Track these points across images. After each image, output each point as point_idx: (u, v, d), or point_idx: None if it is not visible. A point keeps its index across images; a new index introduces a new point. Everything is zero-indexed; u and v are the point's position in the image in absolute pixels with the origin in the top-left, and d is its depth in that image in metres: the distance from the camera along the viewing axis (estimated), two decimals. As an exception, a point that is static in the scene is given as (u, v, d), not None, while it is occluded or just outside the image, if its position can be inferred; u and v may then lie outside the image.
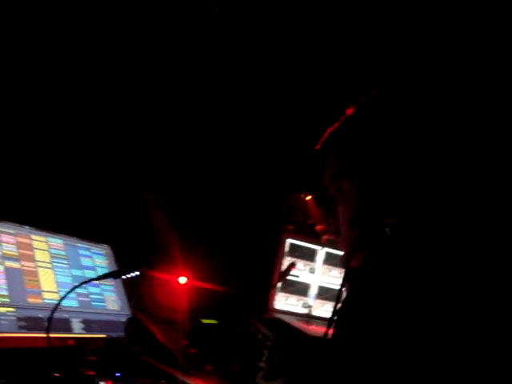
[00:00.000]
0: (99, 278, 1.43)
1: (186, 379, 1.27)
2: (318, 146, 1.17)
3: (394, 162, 1.05)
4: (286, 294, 2.29)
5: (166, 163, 2.37)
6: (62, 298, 1.35)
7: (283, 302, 2.27)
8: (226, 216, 2.42)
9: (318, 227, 2.50)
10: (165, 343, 1.38)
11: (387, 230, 1.00)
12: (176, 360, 1.34)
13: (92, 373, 1.18)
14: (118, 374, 1.29)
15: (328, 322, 1.03)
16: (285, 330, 1.95)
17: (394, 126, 1.08)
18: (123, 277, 1.42)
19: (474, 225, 1.02)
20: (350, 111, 1.14)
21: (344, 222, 1.12)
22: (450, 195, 1.09)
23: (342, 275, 1.17)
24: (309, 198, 2.79)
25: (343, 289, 1.10)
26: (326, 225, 2.22)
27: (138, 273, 1.38)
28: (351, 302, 0.98)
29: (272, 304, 2.23)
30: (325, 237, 2.27)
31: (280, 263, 2.28)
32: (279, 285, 2.26)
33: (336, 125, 1.14)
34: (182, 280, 1.60)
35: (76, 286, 1.43)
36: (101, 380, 1.14)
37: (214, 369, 1.38)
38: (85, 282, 1.42)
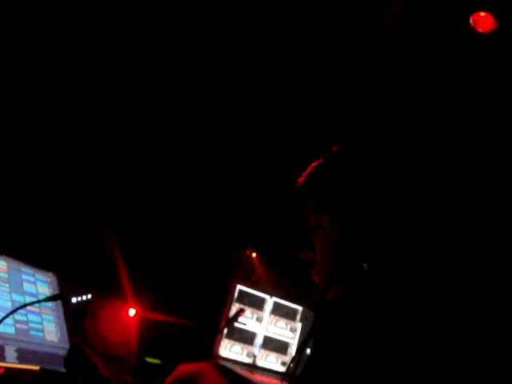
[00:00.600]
0: (40, 301, 1.36)
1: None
2: (301, 179, 1.20)
3: (373, 200, 1.09)
4: (232, 341, 2.24)
5: (122, 198, 2.34)
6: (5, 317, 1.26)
7: (228, 349, 2.22)
8: (178, 258, 2.38)
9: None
10: (107, 377, 1.31)
11: (364, 265, 1.02)
12: (117, 396, 1.27)
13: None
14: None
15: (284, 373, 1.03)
16: (230, 377, 1.90)
17: (377, 165, 1.13)
18: (72, 300, 1.35)
19: (448, 264, 1.06)
20: (335, 148, 1.19)
21: (320, 256, 1.14)
22: (424, 236, 1.13)
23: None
24: (254, 254, 2.82)
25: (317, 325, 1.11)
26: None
27: (85, 297, 1.32)
28: (327, 340, 0.98)
29: (217, 350, 2.18)
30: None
31: (228, 309, 2.25)
32: (225, 331, 2.22)
33: (321, 159, 1.19)
34: (132, 312, 1.55)
35: (14, 310, 1.35)
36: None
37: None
38: (24, 306, 1.34)
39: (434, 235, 1.15)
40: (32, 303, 1.37)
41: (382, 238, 1.08)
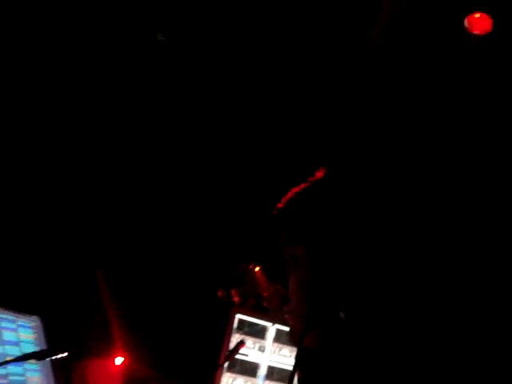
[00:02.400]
0: (19, 358, 1.23)
1: None
2: (280, 205, 1.10)
3: (355, 238, 0.99)
4: (234, 375, 2.12)
5: (106, 235, 2.22)
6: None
7: (230, 383, 2.10)
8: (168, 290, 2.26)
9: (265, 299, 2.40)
10: None
11: (341, 314, 0.93)
12: None
13: None
14: None
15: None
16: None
17: (362, 199, 1.03)
18: (50, 358, 1.23)
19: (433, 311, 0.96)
20: (319, 175, 1.09)
21: (293, 294, 1.03)
22: (406, 278, 1.03)
23: (294, 354, 1.07)
24: (257, 269, 2.71)
25: (295, 372, 1.01)
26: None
27: (64, 354, 1.20)
28: None
29: (218, 385, 2.06)
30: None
31: (228, 341, 2.13)
32: (226, 364, 2.10)
33: (302, 186, 1.09)
34: (119, 360, 1.43)
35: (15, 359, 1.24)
36: None
37: None
38: (4, 363, 1.22)
39: (422, 275, 1.05)
40: (10, 361, 1.24)
41: (362, 282, 0.99)
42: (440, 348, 0.85)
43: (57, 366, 1.54)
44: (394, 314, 0.93)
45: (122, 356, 1.45)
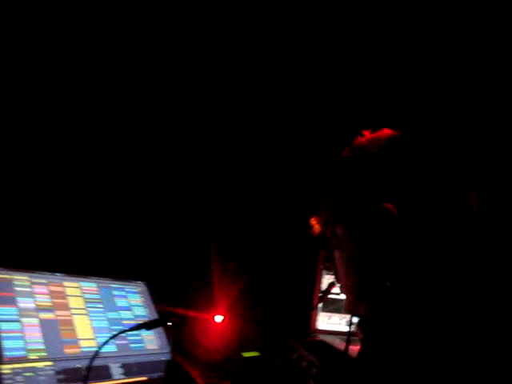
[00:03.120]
0: (132, 329, 1.39)
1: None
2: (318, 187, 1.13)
3: (387, 210, 0.98)
4: (329, 314, 2.21)
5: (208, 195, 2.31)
6: (99, 349, 1.31)
7: (326, 321, 2.20)
8: (260, 239, 2.35)
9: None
10: (205, 387, 1.34)
11: (387, 283, 0.95)
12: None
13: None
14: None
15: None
16: (330, 354, 1.88)
17: (389, 173, 1.01)
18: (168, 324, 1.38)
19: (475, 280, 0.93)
20: (345, 153, 1.09)
21: (340, 269, 1.07)
22: (444, 246, 1.00)
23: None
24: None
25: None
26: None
27: (169, 323, 1.34)
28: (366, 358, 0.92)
29: (314, 325, 2.17)
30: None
31: (319, 283, 2.21)
32: (320, 305, 2.19)
33: (331, 166, 1.10)
34: (218, 318, 1.55)
35: (113, 336, 1.40)
36: None
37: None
38: (120, 333, 1.38)
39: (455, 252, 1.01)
40: (124, 331, 1.40)
41: (399, 251, 0.98)
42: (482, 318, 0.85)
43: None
44: (434, 284, 0.93)
45: (222, 314, 1.58)
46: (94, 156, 2.01)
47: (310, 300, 2.17)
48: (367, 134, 1.12)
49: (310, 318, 2.16)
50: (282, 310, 2.08)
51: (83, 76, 1.91)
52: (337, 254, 1.09)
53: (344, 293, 1.13)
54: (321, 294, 2.15)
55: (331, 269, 1.15)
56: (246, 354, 1.66)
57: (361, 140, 1.09)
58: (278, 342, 1.76)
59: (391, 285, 0.99)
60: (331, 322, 2.20)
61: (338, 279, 1.13)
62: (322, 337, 2.10)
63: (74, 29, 1.80)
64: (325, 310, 2.21)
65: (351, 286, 1.08)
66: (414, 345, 0.85)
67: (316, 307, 2.16)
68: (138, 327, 1.39)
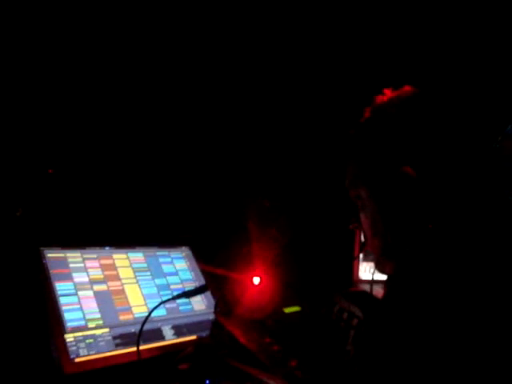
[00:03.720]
0: (174, 298, 1.51)
1: (270, 380, 1.32)
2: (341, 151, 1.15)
3: (406, 174, 0.99)
4: (370, 263, 2.26)
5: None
6: (148, 315, 1.44)
7: (368, 271, 2.25)
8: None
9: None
10: (247, 345, 1.44)
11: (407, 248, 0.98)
12: (259, 360, 1.39)
13: (181, 387, 1.27)
14: (207, 382, 1.37)
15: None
16: (372, 303, 1.94)
17: (408, 135, 1.00)
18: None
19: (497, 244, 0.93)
20: (366, 114, 1.08)
21: (365, 229, 1.09)
22: (466, 209, 1.00)
23: None
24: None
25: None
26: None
27: (207, 290, 1.46)
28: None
29: (357, 275, 2.22)
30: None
31: (360, 233, 2.24)
32: (361, 255, 2.24)
33: (352, 131, 1.10)
34: (256, 280, 1.64)
35: (155, 306, 1.52)
36: (190, 393, 1.22)
37: (298, 364, 1.42)
38: (161, 304, 1.50)
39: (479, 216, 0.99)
40: (168, 300, 1.52)
41: (423, 217, 0.98)
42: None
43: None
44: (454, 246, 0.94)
45: (260, 275, 1.66)
46: (133, 130, 2.09)
47: (351, 250, 2.22)
48: (388, 92, 1.12)
49: (351, 269, 2.22)
50: (324, 262, 2.14)
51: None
52: (362, 216, 1.13)
53: (371, 252, 1.17)
54: (362, 244, 2.19)
55: (359, 229, 1.19)
56: (287, 310, 1.76)
57: (380, 100, 1.09)
58: (320, 295, 1.83)
59: (410, 249, 1.02)
60: (372, 272, 2.25)
61: (365, 239, 1.18)
62: (364, 287, 2.15)
63: (77, 29, 1.84)
64: (366, 259, 2.26)
65: (375, 247, 1.13)
66: (426, 307, 0.89)
67: (358, 257, 2.21)
68: (177, 296, 1.50)
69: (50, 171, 1.87)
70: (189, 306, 1.77)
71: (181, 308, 1.74)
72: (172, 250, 1.94)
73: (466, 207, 0.99)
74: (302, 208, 2.20)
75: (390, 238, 1.06)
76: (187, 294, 1.52)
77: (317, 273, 2.02)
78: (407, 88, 1.08)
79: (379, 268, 1.16)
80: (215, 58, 2.19)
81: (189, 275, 1.89)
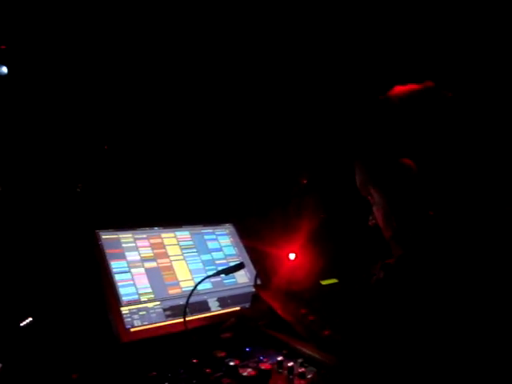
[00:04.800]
0: (213, 275, 1.65)
1: (304, 348, 1.44)
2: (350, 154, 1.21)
3: (405, 165, 1.03)
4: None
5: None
6: (194, 288, 1.58)
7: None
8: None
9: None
10: (284, 316, 1.55)
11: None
12: (295, 330, 1.50)
13: (222, 354, 1.40)
14: (247, 349, 1.50)
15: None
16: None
17: (408, 127, 1.04)
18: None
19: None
20: (370, 107, 1.13)
21: (378, 221, 1.16)
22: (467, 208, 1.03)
23: None
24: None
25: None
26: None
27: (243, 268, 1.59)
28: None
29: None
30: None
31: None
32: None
33: (358, 133, 1.16)
34: (292, 256, 1.74)
35: (206, 277, 1.66)
36: (230, 360, 1.35)
37: (331, 334, 1.52)
38: (206, 278, 1.63)
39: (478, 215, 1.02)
40: (209, 276, 1.65)
41: (423, 205, 1.03)
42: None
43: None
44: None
45: (297, 251, 1.76)
46: (180, 114, 2.21)
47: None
48: (396, 87, 1.17)
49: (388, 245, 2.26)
50: (361, 234, 2.20)
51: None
52: (374, 210, 1.21)
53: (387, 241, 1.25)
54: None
55: (375, 222, 1.27)
56: (325, 282, 1.85)
57: (387, 94, 1.14)
58: (357, 267, 1.90)
59: (414, 235, 1.09)
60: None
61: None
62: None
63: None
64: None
65: (387, 235, 1.21)
66: (424, 286, 0.96)
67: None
68: (216, 274, 1.64)
69: (106, 147, 2.02)
70: (233, 280, 1.90)
71: (225, 281, 1.88)
72: (216, 227, 2.06)
73: (463, 196, 1.03)
74: (340, 186, 2.25)
75: (397, 226, 1.13)
76: (225, 272, 1.65)
77: (355, 248, 2.08)
78: (412, 85, 1.13)
79: (393, 252, 1.23)
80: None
81: (232, 250, 2.02)
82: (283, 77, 2.33)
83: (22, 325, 1.32)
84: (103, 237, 1.71)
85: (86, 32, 1.88)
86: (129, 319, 1.56)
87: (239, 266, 1.66)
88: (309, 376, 1.31)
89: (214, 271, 1.76)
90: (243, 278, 1.93)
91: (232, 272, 1.67)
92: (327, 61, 2.33)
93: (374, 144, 1.12)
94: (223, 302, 1.80)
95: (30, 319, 1.34)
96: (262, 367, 1.32)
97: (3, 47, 1.58)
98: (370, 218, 1.21)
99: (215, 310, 1.76)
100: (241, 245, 2.05)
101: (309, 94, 2.36)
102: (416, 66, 2.05)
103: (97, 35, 1.91)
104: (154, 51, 2.06)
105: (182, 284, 1.77)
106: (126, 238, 1.77)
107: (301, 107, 2.37)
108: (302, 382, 1.25)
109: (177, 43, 2.10)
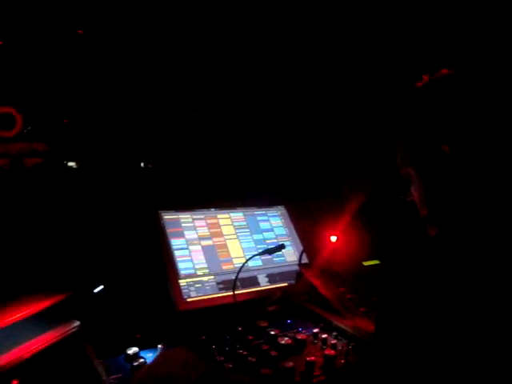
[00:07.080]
0: (258, 254, 1.81)
1: (339, 322, 1.57)
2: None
3: (452, 155, 1.10)
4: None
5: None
6: (243, 264, 1.76)
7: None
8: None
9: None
10: (323, 293, 1.69)
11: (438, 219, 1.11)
12: (333, 307, 1.64)
13: (265, 324, 1.57)
14: (288, 321, 1.66)
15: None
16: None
17: (443, 114, 1.11)
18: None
19: None
20: (404, 98, 1.20)
21: (416, 201, 1.23)
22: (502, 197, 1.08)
23: None
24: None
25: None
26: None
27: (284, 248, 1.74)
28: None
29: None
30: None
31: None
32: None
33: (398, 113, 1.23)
34: (333, 238, 1.86)
35: (254, 255, 1.84)
36: (272, 330, 1.52)
37: (366, 310, 1.64)
38: (256, 255, 1.81)
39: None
40: (255, 255, 1.83)
41: (453, 193, 1.10)
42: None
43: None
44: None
45: (337, 234, 1.87)
46: (226, 105, 2.36)
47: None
48: (425, 77, 1.24)
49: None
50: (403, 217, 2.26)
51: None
52: (412, 189, 1.29)
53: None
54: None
55: (413, 199, 1.35)
56: (366, 263, 1.95)
57: (418, 83, 1.22)
58: (398, 248, 1.99)
59: (442, 220, 1.18)
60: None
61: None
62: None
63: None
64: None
65: (423, 215, 1.29)
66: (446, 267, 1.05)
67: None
68: (262, 253, 1.80)
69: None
70: (282, 258, 2.06)
71: (275, 259, 2.04)
72: (269, 209, 2.22)
73: (493, 189, 1.10)
74: (384, 172, 2.32)
75: (429, 209, 1.22)
76: (269, 252, 1.81)
77: (398, 231, 2.15)
78: (444, 71, 1.19)
79: (428, 231, 1.31)
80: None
81: (283, 231, 2.17)
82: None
83: (95, 291, 1.56)
84: (165, 217, 1.92)
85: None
86: (186, 290, 1.77)
87: (280, 247, 1.81)
88: (339, 348, 1.45)
89: (265, 249, 1.93)
90: (292, 257, 2.08)
91: (273, 252, 1.83)
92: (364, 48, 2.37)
93: (415, 127, 1.20)
94: (272, 278, 1.96)
95: (102, 287, 1.58)
96: (299, 337, 1.48)
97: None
98: (408, 194, 1.29)
99: (264, 285, 1.93)
100: (291, 226, 2.20)
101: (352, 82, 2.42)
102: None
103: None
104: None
105: (235, 261, 1.95)
106: (184, 218, 1.97)
107: (346, 95, 2.44)
108: (333, 351, 1.39)
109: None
